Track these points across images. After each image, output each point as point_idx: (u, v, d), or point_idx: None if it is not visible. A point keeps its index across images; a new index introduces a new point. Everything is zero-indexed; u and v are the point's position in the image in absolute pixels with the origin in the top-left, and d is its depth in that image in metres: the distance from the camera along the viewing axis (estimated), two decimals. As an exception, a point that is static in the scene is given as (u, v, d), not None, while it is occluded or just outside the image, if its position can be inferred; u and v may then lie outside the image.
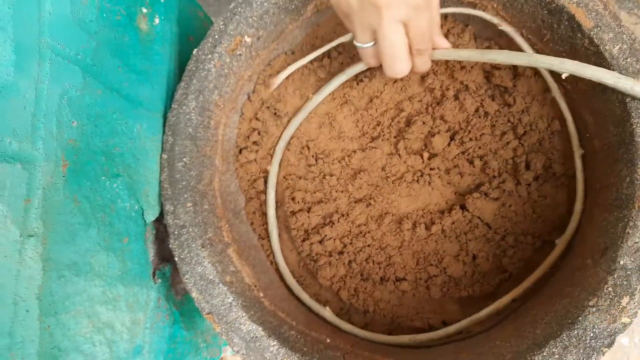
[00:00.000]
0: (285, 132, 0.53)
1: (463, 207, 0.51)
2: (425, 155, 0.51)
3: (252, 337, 0.40)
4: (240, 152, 0.52)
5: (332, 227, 0.52)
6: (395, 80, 0.52)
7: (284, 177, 0.54)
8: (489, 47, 0.51)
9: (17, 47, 0.27)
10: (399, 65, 0.41)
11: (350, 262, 0.52)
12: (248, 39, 0.47)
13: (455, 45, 0.51)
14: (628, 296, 0.36)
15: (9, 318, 0.26)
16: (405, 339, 0.48)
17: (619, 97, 0.39)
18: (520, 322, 0.44)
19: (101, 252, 0.35)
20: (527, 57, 0.39)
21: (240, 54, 0.47)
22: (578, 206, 0.44)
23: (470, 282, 0.50)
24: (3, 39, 0.27)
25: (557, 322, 0.38)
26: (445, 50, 0.43)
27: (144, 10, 0.44)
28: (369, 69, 0.50)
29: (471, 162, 0.51)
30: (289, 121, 0.54)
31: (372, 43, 0.41)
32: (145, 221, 0.42)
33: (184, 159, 0.44)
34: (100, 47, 0.35)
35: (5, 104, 0.26)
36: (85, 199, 0.34)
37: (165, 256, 0.46)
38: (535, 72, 0.49)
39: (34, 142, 0.29)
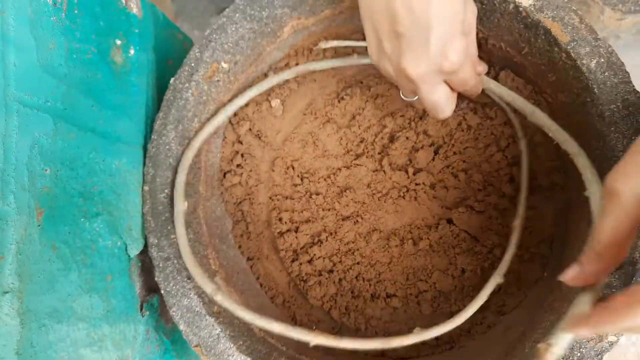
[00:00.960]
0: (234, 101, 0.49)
1: (450, 221, 0.51)
2: (410, 170, 0.51)
3: (241, 368, 0.40)
4: (224, 176, 0.52)
5: (320, 246, 0.52)
6: (377, 97, 0.52)
7: (270, 198, 0.54)
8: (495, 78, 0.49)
9: (-19, 105, 0.27)
10: (442, 113, 0.41)
11: (340, 280, 0.52)
12: (225, 65, 0.47)
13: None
14: (613, 314, 0.36)
15: (-14, 378, 0.26)
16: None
17: (598, 110, 0.39)
18: (510, 337, 0.44)
19: (83, 295, 0.35)
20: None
21: (218, 80, 0.47)
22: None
23: (461, 296, 0.50)
24: (-35, 98, 0.26)
25: (544, 340, 0.38)
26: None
27: (118, 42, 0.43)
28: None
29: (456, 176, 0.50)
30: (271, 143, 0.54)
31: (415, 97, 0.42)
32: (129, 256, 0.42)
33: (166, 190, 0.44)
34: (70, 89, 0.35)
35: (-29, 165, 0.26)
36: (63, 244, 0.34)
37: (152, 287, 0.46)
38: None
39: (4, 198, 0.29)
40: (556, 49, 0.41)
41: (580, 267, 0.30)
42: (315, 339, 0.40)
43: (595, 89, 0.39)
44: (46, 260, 0.32)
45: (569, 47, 0.40)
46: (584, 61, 0.39)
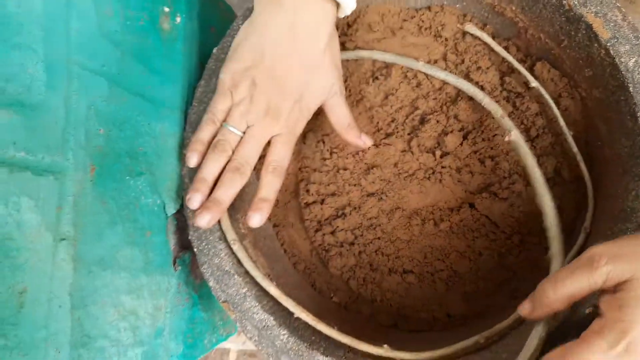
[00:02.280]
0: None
1: (472, 206, 0.52)
2: (438, 153, 0.52)
3: (264, 326, 0.43)
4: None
5: (344, 219, 0.55)
6: (411, 79, 0.53)
7: (299, 169, 0.56)
8: (507, 47, 0.50)
9: (47, 67, 0.30)
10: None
11: (360, 252, 0.54)
12: (266, 38, 0.48)
13: (473, 46, 0.51)
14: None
15: (44, 314, 0.30)
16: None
17: (631, 110, 0.40)
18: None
19: (126, 247, 0.39)
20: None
21: (258, 52, 0.48)
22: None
23: (475, 278, 0.52)
24: (35, 60, 0.29)
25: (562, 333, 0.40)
26: None
27: (166, 9, 0.45)
28: None
29: (482, 162, 0.51)
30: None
31: None
32: (166, 214, 0.45)
33: (203, 156, 0.46)
34: (124, 55, 0.37)
35: (38, 122, 0.29)
36: (111, 199, 0.37)
37: (185, 244, 0.49)
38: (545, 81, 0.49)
39: (64, 154, 0.31)
40: (596, 44, 0.41)
41: (531, 307, 0.36)
42: (301, 313, 0.44)
43: (631, 88, 0.39)
44: (96, 213, 0.35)
45: (608, 44, 0.40)
46: (623, 59, 0.40)
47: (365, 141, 0.50)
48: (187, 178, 0.46)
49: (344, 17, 0.46)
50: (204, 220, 0.42)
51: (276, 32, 0.41)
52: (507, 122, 0.47)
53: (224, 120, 0.44)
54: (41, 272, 0.29)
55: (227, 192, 0.43)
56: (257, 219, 0.44)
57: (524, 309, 0.36)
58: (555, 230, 0.42)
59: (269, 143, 0.45)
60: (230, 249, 0.45)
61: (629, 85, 0.39)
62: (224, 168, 0.43)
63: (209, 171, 0.42)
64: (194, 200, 0.42)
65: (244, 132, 0.44)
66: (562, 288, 0.32)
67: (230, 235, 0.45)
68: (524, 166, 0.46)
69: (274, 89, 0.42)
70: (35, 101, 0.29)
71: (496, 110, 0.48)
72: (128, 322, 0.38)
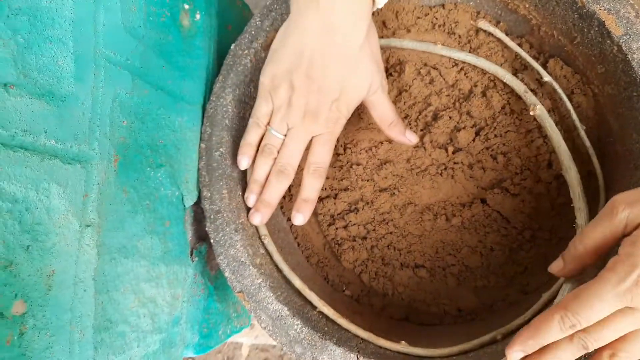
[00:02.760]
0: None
1: (483, 201, 0.53)
2: (450, 149, 0.53)
3: (278, 316, 0.44)
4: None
5: (356, 213, 0.55)
6: (424, 75, 0.53)
7: (313, 164, 0.57)
8: (520, 45, 0.51)
9: (76, 59, 0.31)
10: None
11: (372, 247, 0.55)
12: (283, 35, 0.49)
13: (487, 43, 0.52)
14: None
15: (70, 296, 0.31)
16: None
17: (644, 106, 0.40)
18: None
19: (146, 236, 0.40)
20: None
21: (275, 49, 0.50)
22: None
23: (486, 273, 0.53)
24: (64, 53, 0.30)
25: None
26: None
27: (186, 6, 0.46)
28: None
29: (494, 158, 0.52)
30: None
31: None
32: (184, 206, 0.46)
33: (221, 149, 0.47)
34: (147, 49, 0.38)
35: (67, 113, 0.30)
36: (133, 189, 0.38)
37: (202, 235, 0.51)
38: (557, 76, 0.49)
39: (90, 144, 0.32)
40: (608, 41, 0.42)
41: (562, 263, 0.36)
42: (323, 307, 0.46)
43: (643, 84, 0.40)
44: (119, 202, 0.36)
45: (621, 41, 0.41)
46: (635, 55, 0.40)
47: (411, 138, 0.50)
48: (204, 171, 0.47)
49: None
50: (257, 219, 0.47)
51: (313, 32, 0.41)
52: (531, 98, 0.48)
53: (268, 124, 0.46)
54: (68, 256, 0.30)
55: (274, 194, 0.47)
56: (300, 218, 0.47)
57: (556, 266, 0.36)
58: (581, 202, 0.44)
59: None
60: (246, 239, 0.47)
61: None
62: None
63: (259, 173, 0.47)
64: (250, 200, 0.47)
65: (285, 135, 0.46)
66: (588, 240, 0.33)
67: (263, 230, 0.49)
68: (550, 138, 0.47)
69: (312, 90, 0.43)
70: (65, 92, 0.30)
71: (519, 86, 0.49)
72: (147, 309, 0.40)
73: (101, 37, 0.33)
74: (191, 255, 0.48)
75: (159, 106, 0.41)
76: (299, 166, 0.48)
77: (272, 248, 0.48)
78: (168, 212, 0.43)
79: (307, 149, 0.47)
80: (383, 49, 0.53)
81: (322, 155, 0.47)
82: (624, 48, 0.40)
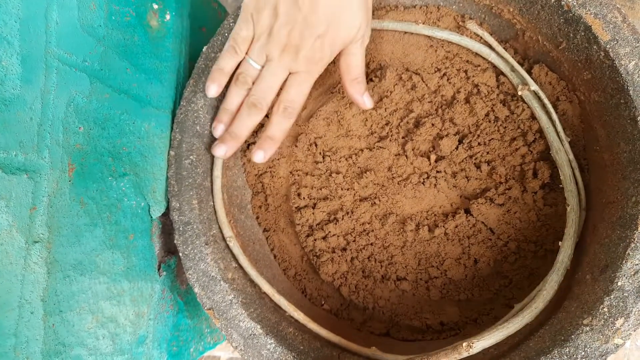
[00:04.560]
0: None
1: (467, 211, 0.51)
2: (433, 157, 0.51)
3: (250, 334, 0.42)
4: (248, 147, 0.53)
5: (336, 224, 0.53)
6: (406, 81, 0.52)
7: (291, 173, 0.55)
8: (504, 49, 0.49)
9: (23, 60, 0.28)
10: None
11: (352, 259, 0.53)
12: (258, 37, 0.47)
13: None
14: (623, 318, 0.36)
15: (14, 320, 0.28)
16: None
17: (631, 114, 0.38)
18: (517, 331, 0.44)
19: (107, 250, 0.37)
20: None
21: (249, 52, 0.47)
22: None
23: (470, 286, 0.51)
24: (10, 53, 0.27)
25: (550, 337, 0.39)
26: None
27: (155, 6, 0.44)
28: None
29: (478, 167, 0.50)
30: (297, 119, 0.54)
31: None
32: (151, 217, 0.43)
33: (191, 157, 0.45)
34: (108, 50, 0.36)
35: (11, 117, 0.27)
36: (91, 200, 0.35)
37: (171, 248, 0.48)
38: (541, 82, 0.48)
39: (40, 152, 0.30)
40: (595, 46, 0.40)
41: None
42: (293, 312, 0.45)
43: (631, 92, 0.38)
44: (74, 215, 0.33)
45: (608, 46, 0.39)
46: (623, 62, 0.38)
47: (366, 101, 0.47)
48: (173, 180, 0.45)
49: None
50: (220, 151, 0.45)
51: None
52: (518, 76, 0.47)
53: (247, 52, 0.43)
54: (11, 275, 0.27)
55: (244, 127, 0.44)
56: (260, 155, 0.44)
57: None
58: (572, 184, 0.43)
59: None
60: (218, 253, 0.44)
61: (629, 89, 0.38)
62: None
63: (231, 102, 0.44)
64: (218, 129, 0.45)
65: (263, 66, 0.43)
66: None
67: (227, 232, 0.46)
68: (538, 119, 0.46)
69: (297, 20, 0.39)
70: (9, 95, 0.27)
71: (504, 65, 0.47)
72: (107, 329, 0.37)
73: (54, 37, 0.31)
74: (159, 269, 0.45)
75: (123, 111, 0.38)
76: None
77: (237, 251, 0.46)
78: (132, 224, 0.40)
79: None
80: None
81: (295, 95, 0.44)
82: (611, 54, 0.39)
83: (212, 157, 0.49)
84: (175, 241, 0.44)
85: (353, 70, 0.45)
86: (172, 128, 0.45)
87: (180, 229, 0.44)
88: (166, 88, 0.45)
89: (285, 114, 0.44)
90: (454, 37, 0.49)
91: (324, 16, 0.39)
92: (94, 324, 0.35)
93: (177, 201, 0.44)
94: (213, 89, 0.43)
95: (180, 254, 0.43)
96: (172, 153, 0.45)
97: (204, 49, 0.46)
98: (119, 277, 0.38)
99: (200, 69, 0.46)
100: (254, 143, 0.53)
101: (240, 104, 0.44)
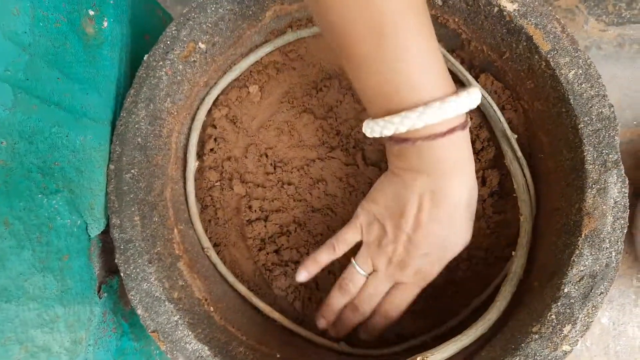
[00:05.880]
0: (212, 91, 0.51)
1: (420, 221, 0.51)
2: (384, 166, 0.51)
3: (198, 357, 0.40)
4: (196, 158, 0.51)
5: (289, 236, 0.52)
6: (355, 91, 0.51)
7: (241, 185, 0.53)
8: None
9: None
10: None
11: (306, 272, 0.52)
12: (202, 46, 0.45)
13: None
14: (570, 325, 0.36)
15: None
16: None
17: (572, 122, 0.39)
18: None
19: (36, 274, 0.34)
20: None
21: (194, 60, 0.45)
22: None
23: (424, 296, 0.50)
24: None
25: (501, 347, 0.39)
26: None
27: (91, 12, 0.41)
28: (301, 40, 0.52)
29: (429, 176, 0.50)
30: (246, 129, 0.53)
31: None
32: (89, 236, 0.41)
33: (132, 171, 0.43)
34: (34, 59, 0.33)
35: None
36: (17, 220, 0.33)
37: (112, 268, 0.45)
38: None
39: (-48, 170, 0.27)
40: (536, 56, 0.41)
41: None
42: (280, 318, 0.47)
43: (571, 100, 0.39)
44: (-3, 237, 0.31)
45: (548, 56, 0.40)
46: (563, 71, 0.39)
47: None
48: (113, 195, 0.42)
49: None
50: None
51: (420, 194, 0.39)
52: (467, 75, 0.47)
53: (353, 258, 0.45)
54: None
55: (345, 326, 0.47)
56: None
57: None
58: (525, 194, 0.44)
59: None
60: (162, 271, 0.42)
61: (569, 97, 0.39)
62: None
63: (335, 305, 0.46)
64: (320, 323, 0.48)
65: (369, 275, 0.44)
66: None
67: (206, 243, 0.48)
68: (492, 128, 0.47)
69: (402, 239, 0.41)
70: None
71: (453, 62, 0.48)
72: (38, 359, 0.34)
73: (-31, 44, 0.28)
74: (99, 291, 0.42)
75: (53, 124, 0.36)
76: None
77: (215, 259, 0.48)
78: (66, 244, 0.38)
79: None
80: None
81: (399, 303, 0.45)
82: (551, 63, 0.40)
83: (182, 170, 0.50)
84: (116, 260, 0.41)
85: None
86: (111, 140, 0.43)
87: (122, 247, 0.41)
88: (104, 98, 0.42)
89: (387, 317, 0.45)
90: None
91: (428, 239, 0.40)
92: (23, 354, 0.33)
93: (118, 218, 0.42)
94: (303, 275, 0.45)
95: (122, 274, 0.41)
96: (111, 167, 0.43)
97: (145, 57, 0.44)
98: (52, 302, 0.36)
99: (142, 78, 0.44)
100: (202, 154, 0.51)
101: (342, 307, 0.46)
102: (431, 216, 0.39)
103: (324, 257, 0.45)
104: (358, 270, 0.44)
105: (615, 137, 0.38)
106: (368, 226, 0.44)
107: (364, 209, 0.43)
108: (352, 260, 0.45)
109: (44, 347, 0.35)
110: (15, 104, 0.32)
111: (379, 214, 0.42)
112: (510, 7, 0.41)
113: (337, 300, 0.46)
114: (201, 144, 0.51)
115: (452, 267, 0.50)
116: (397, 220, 0.40)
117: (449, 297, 0.50)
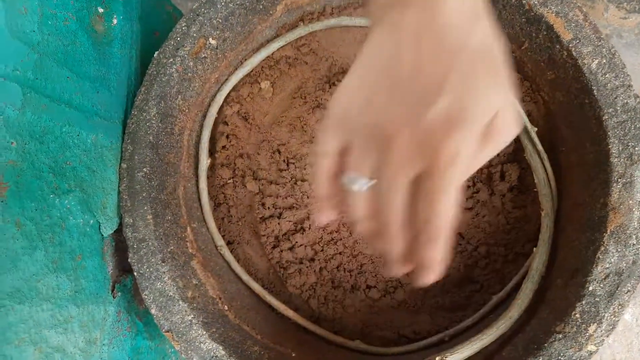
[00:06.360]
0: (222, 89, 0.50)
1: (436, 217, 0.49)
2: (399, 162, 0.50)
3: (212, 357, 0.39)
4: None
5: (303, 233, 0.51)
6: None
7: (255, 182, 0.52)
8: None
9: (-61, 70, 0.25)
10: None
11: (321, 269, 0.51)
12: (213, 41, 0.44)
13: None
14: (595, 324, 0.35)
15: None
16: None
17: (596, 114, 0.38)
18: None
19: (49, 275, 0.34)
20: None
21: (205, 57, 0.45)
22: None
23: (441, 293, 0.49)
24: None
25: (523, 346, 0.38)
26: None
27: (100, 10, 0.41)
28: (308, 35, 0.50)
29: (446, 171, 0.49)
30: (259, 125, 0.52)
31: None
32: (102, 235, 0.40)
33: (144, 169, 0.42)
34: (43, 58, 0.33)
35: None
36: (29, 220, 0.32)
37: (126, 267, 0.45)
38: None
39: (-38, 171, 0.27)
40: (557, 46, 0.39)
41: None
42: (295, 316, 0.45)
43: (595, 91, 0.37)
44: (9, 238, 0.30)
45: (570, 45, 0.38)
46: (585, 61, 0.38)
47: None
48: (126, 194, 0.42)
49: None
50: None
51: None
52: None
53: None
54: None
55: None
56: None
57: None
58: (546, 188, 0.43)
59: None
60: (176, 270, 0.41)
61: (592, 88, 0.37)
62: None
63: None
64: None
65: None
66: None
67: (219, 240, 0.48)
68: None
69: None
70: None
71: None
72: (53, 360, 0.34)
73: (-23, 43, 0.28)
74: (112, 290, 0.42)
75: (64, 123, 0.35)
76: None
77: (229, 258, 0.47)
78: (79, 243, 0.37)
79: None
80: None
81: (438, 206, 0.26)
82: (573, 53, 0.38)
83: (195, 168, 0.49)
84: (129, 259, 0.41)
85: None
86: (123, 139, 0.43)
87: (135, 246, 0.41)
88: (115, 97, 0.42)
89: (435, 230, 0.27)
90: None
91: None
92: (37, 355, 0.32)
93: (131, 217, 0.41)
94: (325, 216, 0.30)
95: (135, 273, 0.41)
96: (123, 166, 0.42)
97: (155, 54, 0.43)
98: (66, 302, 0.35)
99: (152, 75, 0.43)
100: (214, 151, 0.51)
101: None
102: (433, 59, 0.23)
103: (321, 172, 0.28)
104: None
105: (642, 129, 0.36)
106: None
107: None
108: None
109: (58, 347, 0.34)
110: (25, 104, 0.31)
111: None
112: (529, -5, 0.39)
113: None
114: (213, 141, 0.51)
115: (470, 265, 0.49)
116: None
117: (467, 294, 0.49)
